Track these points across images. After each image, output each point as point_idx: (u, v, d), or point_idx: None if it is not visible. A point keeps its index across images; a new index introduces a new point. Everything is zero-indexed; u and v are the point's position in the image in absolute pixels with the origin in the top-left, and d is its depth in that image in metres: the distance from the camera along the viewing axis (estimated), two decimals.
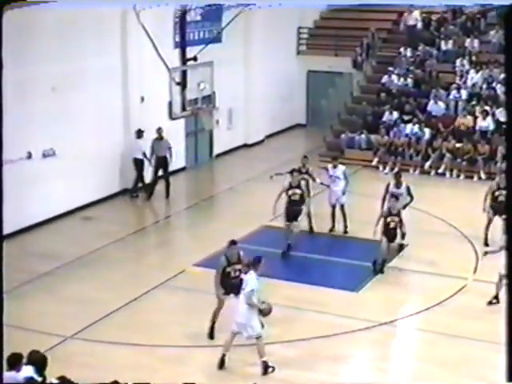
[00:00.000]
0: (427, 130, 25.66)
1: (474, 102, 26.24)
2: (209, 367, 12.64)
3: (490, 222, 18.10)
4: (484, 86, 26.80)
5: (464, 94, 26.66)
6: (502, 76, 26.48)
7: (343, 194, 18.95)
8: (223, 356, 12.51)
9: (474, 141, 24.85)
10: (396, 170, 18.88)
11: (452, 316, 14.56)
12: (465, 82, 27.17)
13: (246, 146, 28.31)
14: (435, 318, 14.59)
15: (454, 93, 26.76)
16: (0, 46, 8.45)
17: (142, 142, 22.04)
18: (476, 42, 28.43)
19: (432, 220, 19.96)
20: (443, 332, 13.89)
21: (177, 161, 24.21)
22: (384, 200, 17.46)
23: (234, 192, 23.16)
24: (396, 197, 17.15)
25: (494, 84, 26.66)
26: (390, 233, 16.49)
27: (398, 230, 16.67)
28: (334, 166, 19.25)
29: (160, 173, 22.27)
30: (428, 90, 27.19)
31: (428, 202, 20.91)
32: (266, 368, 12.36)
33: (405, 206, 17.49)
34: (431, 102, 26.62)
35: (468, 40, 28.53)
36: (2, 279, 8.52)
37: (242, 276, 12.67)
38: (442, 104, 26.48)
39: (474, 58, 28.04)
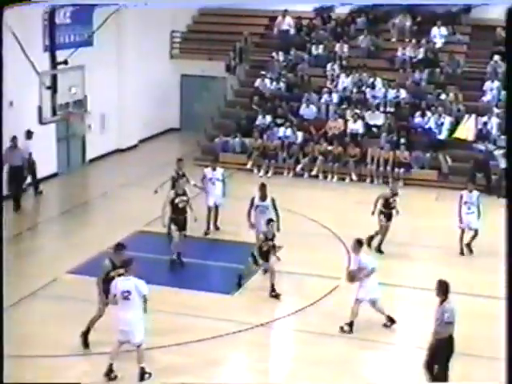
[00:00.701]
0: (300, 133, 26.09)
1: (344, 106, 26.84)
2: (88, 376, 12.39)
3: (381, 228, 18.42)
4: (354, 90, 27.43)
5: (335, 97, 27.20)
6: (371, 80, 27.23)
7: (223, 195, 19.15)
8: (111, 365, 12.26)
9: (344, 143, 25.40)
10: (261, 183, 18.18)
11: (326, 316, 14.78)
12: (336, 86, 27.73)
13: (119, 150, 27.99)
14: (310, 318, 14.79)
15: (325, 96, 27.25)
16: (0, 45, 8.33)
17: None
18: (346, 47, 29.04)
19: (305, 222, 20.24)
20: (318, 332, 14.09)
21: (48, 167, 23.72)
22: (250, 214, 17.18)
23: (108, 198, 22.84)
24: (262, 210, 17.01)
25: (363, 88, 27.34)
26: (264, 256, 16.01)
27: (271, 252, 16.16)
28: (214, 169, 19.42)
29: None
30: (300, 93, 27.63)
31: (301, 204, 21.26)
32: (142, 374, 12.22)
33: (269, 222, 16.27)
34: (303, 105, 27.06)
35: (338, 45, 29.13)
36: (1, 281, 8.22)
37: (123, 281, 12.20)
38: (313, 107, 26.95)
39: (344, 62, 28.67)
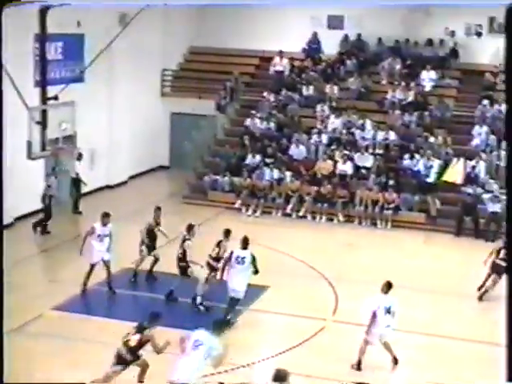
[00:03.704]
0: (288, 173, 26.11)
1: (334, 147, 26.91)
2: None
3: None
4: (344, 131, 27.55)
5: (324, 138, 27.32)
6: (361, 122, 27.38)
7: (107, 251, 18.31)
8: None
9: (333, 184, 25.43)
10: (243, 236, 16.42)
11: (312, 357, 14.68)
12: (325, 127, 27.85)
13: (108, 187, 27.95)
14: (295, 359, 14.66)
15: (314, 137, 27.38)
16: (0, 46, 8.33)
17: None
18: (336, 89, 29.23)
19: (293, 262, 20.18)
20: (303, 373, 13.95)
21: (36, 202, 23.65)
22: (224, 270, 16.26)
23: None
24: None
25: (353, 129, 27.47)
26: None
27: None
28: (104, 224, 18.35)
29: None
30: (290, 133, 27.73)
31: (289, 244, 21.20)
32: None
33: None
34: (293, 145, 27.14)
35: (328, 86, 29.32)
36: (2, 286, 8.81)
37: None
38: (303, 148, 27.03)
39: (333, 103, 28.83)
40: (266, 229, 23.59)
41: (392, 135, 26.92)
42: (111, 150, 27.90)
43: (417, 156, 25.85)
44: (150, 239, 18.86)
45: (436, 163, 25.55)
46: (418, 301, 17.96)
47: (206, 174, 27.00)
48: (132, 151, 28.77)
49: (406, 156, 26.07)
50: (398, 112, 27.95)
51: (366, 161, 26.33)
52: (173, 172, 30.98)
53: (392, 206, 24.68)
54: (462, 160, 25.29)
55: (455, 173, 25.25)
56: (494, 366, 14.39)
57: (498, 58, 28.94)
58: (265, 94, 29.57)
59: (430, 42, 30.15)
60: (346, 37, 31.07)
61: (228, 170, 26.71)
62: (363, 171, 26.11)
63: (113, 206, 25.72)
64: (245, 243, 16.12)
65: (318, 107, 28.61)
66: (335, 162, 26.28)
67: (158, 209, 19.36)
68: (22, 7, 10.06)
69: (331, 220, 24.91)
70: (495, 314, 17.13)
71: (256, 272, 16.06)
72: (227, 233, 17.14)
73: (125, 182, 28.77)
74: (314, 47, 31.15)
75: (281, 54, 30.39)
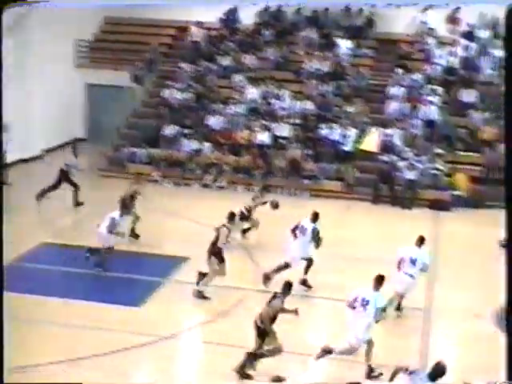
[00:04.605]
0: (207, 144, 26.06)
1: (252, 117, 26.94)
2: None
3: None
4: (261, 102, 27.58)
5: (242, 108, 27.30)
6: (278, 92, 27.43)
7: None
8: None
9: (252, 154, 25.49)
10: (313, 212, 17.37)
11: (234, 327, 14.74)
12: (243, 97, 27.82)
13: (22, 160, 27.36)
14: (217, 329, 14.72)
15: (232, 107, 27.34)
16: (0, 46, 8.11)
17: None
18: (253, 59, 29.21)
19: (212, 233, 20.11)
20: (226, 343, 14.02)
21: None
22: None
23: (13, 209, 22.23)
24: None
25: (270, 99, 27.52)
26: None
27: None
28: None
29: None
30: (208, 104, 27.62)
31: (209, 216, 21.16)
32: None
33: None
34: (211, 116, 27.07)
35: (245, 56, 29.27)
36: (2, 277, 9.08)
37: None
38: (221, 118, 26.98)
39: (251, 74, 28.81)
40: (185, 200, 23.52)
41: (309, 105, 27.08)
42: (25, 122, 27.26)
43: (334, 125, 26.10)
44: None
45: (353, 132, 25.85)
46: (341, 268, 18.18)
47: (124, 146, 26.72)
48: (47, 124, 28.19)
49: (323, 125, 26.29)
50: (314, 82, 28.11)
51: (284, 131, 26.45)
52: (90, 144, 30.50)
53: (310, 175, 24.90)
54: (378, 129, 25.65)
55: (372, 141, 25.60)
56: (415, 330, 14.83)
57: (412, 27, 29.41)
58: (182, 64, 29.34)
59: (347, 10, 30.27)
60: (266, 7, 30.86)
61: (145, 142, 26.49)
62: (282, 141, 26.22)
63: (28, 180, 25.38)
64: (314, 217, 17.07)
65: (236, 77, 28.57)
66: (253, 132, 26.33)
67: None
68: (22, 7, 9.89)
69: (249, 190, 24.93)
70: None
71: (317, 245, 16.88)
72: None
73: (40, 156, 28.23)
74: (231, 18, 31.02)
75: (198, 24, 30.17)
